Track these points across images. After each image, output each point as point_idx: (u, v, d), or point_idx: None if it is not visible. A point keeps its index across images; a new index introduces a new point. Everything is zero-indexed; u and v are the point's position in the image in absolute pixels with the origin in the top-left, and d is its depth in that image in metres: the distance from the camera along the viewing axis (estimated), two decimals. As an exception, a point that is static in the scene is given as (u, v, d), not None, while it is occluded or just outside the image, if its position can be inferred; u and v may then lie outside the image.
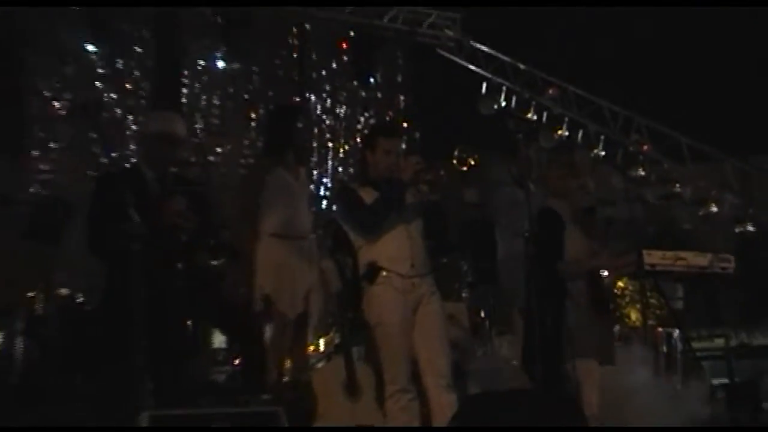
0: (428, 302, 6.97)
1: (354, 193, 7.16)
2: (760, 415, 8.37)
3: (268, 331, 8.93)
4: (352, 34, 14.17)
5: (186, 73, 13.32)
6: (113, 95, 12.51)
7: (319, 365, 9.05)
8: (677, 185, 14.54)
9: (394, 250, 6.92)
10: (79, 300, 8.54)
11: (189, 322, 6.64)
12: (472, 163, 7.26)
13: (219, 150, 13.35)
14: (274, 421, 5.11)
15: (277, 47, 13.96)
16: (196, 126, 13.28)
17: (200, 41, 13.27)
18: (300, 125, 8.82)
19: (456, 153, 7.16)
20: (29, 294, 8.56)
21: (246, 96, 13.77)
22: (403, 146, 7.44)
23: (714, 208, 14.36)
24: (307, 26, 14.05)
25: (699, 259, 9.22)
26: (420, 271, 6.96)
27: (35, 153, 12.19)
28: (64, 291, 8.68)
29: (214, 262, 6.53)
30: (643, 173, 14.44)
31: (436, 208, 7.14)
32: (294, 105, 12.62)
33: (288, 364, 8.63)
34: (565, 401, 5.77)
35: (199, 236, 6.50)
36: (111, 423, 5.41)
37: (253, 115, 13.70)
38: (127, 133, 12.48)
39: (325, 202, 13.42)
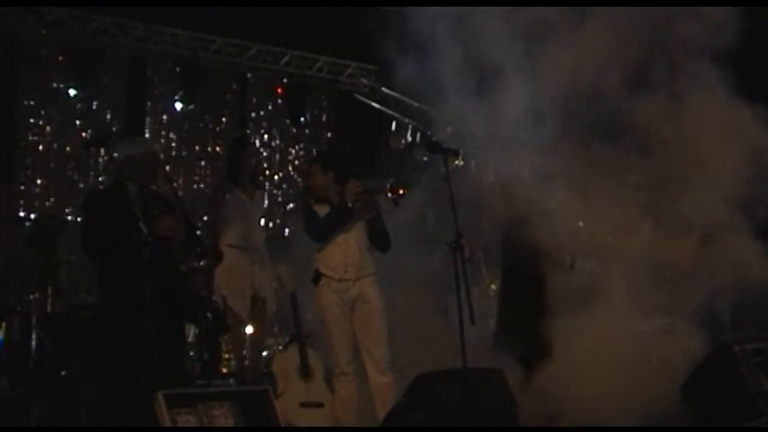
0: (365, 301, 7.00)
1: (310, 208, 7.23)
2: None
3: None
4: (285, 81, 14.16)
5: (149, 112, 13.19)
6: (89, 131, 12.33)
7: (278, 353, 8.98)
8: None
9: (331, 259, 7.01)
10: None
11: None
12: (402, 192, 7.42)
13: (176, 176, 13.22)
14: (265, 398, 5.09)
15: (224, 92, 13.90)
16: (158, 156, 13.14)
17: (162, 87, 13.15)
18: (251, 154, 8.91)
19: (389, 185, 7.27)
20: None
21: (198, 132, 13.67)
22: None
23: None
24: (249, 75, 14.01)
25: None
26: (353, 276, 6.99)
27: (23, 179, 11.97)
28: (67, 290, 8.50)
29: (201, 263, 6.51)
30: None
31: (377, 219, 7.19)
32: (246, 138, 12.61)
33: (246, 353, 8.63)
34: (493, 375, 5.82)
35: (187, 244, 6.46)
36: (125, 402, 5.28)
37: (204, 147, 13.61)
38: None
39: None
